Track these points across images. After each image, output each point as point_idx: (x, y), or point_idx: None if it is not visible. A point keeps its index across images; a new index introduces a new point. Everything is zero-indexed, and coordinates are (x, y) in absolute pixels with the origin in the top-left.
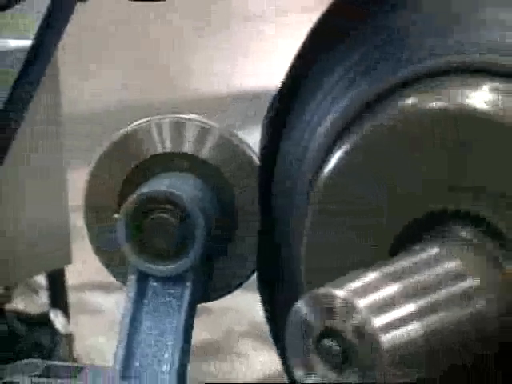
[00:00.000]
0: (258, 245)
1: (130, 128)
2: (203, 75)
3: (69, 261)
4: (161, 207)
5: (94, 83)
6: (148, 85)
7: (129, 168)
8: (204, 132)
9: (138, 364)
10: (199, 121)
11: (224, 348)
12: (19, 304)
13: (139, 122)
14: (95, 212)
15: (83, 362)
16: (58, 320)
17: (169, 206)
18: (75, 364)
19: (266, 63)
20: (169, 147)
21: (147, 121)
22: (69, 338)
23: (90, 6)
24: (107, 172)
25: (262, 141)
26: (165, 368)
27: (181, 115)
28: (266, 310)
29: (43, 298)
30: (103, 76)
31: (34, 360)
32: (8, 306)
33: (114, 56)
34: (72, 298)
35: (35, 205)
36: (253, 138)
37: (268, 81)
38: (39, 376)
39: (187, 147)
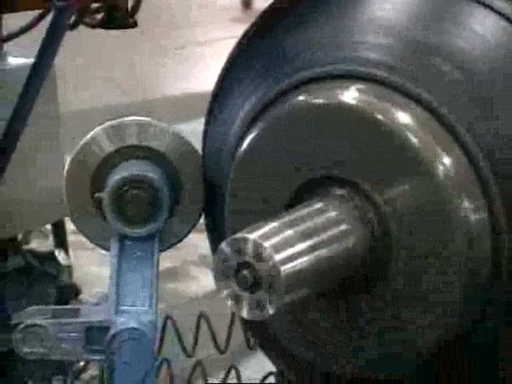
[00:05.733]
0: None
1: (97, 129)
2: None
3: (66, 215)
4: (136, 186)
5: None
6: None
7: (99, 159)
8: (158, 130)
9: (126, 303)
10: (154, 122)
11: (180, 272)
12: (34, 244)
13: (105, 124)
14: (74, 195)
15: (81, 286)
16: (60, 256)
17: (142, 185)
18: (73, 306)
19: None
20: (130, 142)
21: (108, 124)
22: (69, 268)
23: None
24: (82, 163)
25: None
26: (146, 303)
27: (138, 117)
28: (212, 247)
29: (51, 240)
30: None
31: (42, 306)
32: (24, 246)
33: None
34: (73, 238)
35: (38, 174)
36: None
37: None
38: (51, 318)
39: (145, 141)
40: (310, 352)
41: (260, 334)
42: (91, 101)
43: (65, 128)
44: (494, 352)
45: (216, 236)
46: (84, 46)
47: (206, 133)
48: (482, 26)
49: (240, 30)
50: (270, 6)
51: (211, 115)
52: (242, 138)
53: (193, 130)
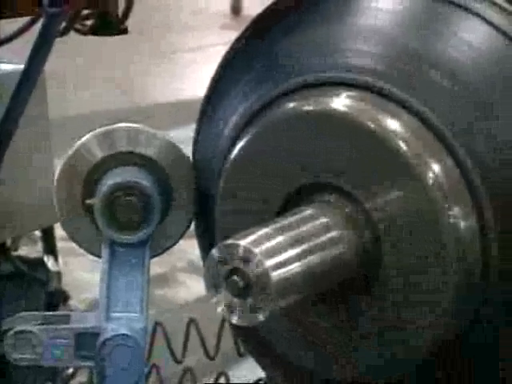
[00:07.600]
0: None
1: (88, 135)
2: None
3: (56, 220)
4: (127, 192)
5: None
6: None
7: (90, 165)
8: (148, 136)
9: (117, 309)
10: (144, 128)
11: (170, 278)
12: (23, 251)
13: (95, 131)
14: (65, 201)
15: (71, 292)
16: (50, 262)
17: (133, 192)
18: (63, 312)
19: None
20: (120, 148)
21: (99, 130)
22: (58, 274)
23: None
24: (73, 169)
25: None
26: (137, 309)
27: (129, 124)
28: (201, 252)
29: (40, 246)
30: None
31: (33, 312)
32: (13, 252)
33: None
34: (62, 245)
35: (28, 182)
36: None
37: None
38: (41, 324)
39: (136, 147)
40: (309, 352)
41: (251, 340)
42: (91, 101)
43: (65, 129)
44: (494, 352)
45: (206, 240)
46: (84, 46)
47: (197, 135)
48: (473, 35)
49: (230, 35)
50: (267, 8)
51: (204, 117)
52: (234, 141)
53: (190, 136)
